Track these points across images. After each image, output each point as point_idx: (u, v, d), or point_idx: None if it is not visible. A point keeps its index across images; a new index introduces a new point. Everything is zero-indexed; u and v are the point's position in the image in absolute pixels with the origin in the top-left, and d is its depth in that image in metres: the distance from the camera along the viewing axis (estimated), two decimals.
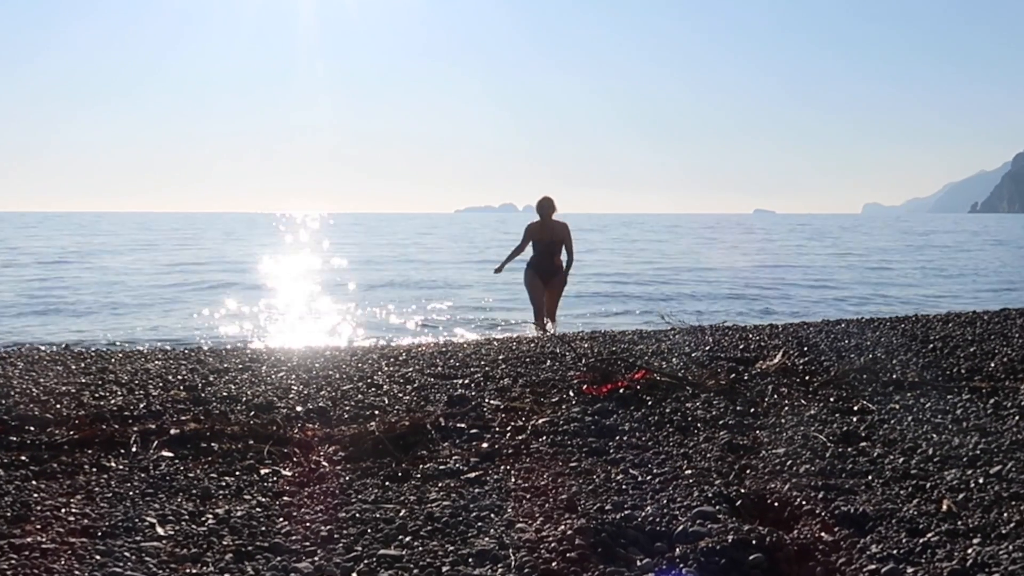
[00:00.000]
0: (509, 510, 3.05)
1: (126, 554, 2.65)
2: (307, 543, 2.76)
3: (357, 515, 3.02)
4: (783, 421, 4.33)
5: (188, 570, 2.56)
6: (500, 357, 6.50)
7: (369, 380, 5.58)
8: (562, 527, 2.82)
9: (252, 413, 4.60)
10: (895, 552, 2.61)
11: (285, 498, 3.23)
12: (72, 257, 30.32)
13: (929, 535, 2.73)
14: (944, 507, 2.98)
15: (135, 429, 4.13)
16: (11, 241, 42.93)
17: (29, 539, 2.72)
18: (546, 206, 10.32)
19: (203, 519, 2.97)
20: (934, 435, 3.98)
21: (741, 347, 6.88)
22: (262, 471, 3.59)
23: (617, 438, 4.03)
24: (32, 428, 4.15)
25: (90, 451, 3.81)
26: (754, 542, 2.64)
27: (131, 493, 3.25)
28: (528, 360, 6.34)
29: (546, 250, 10.45)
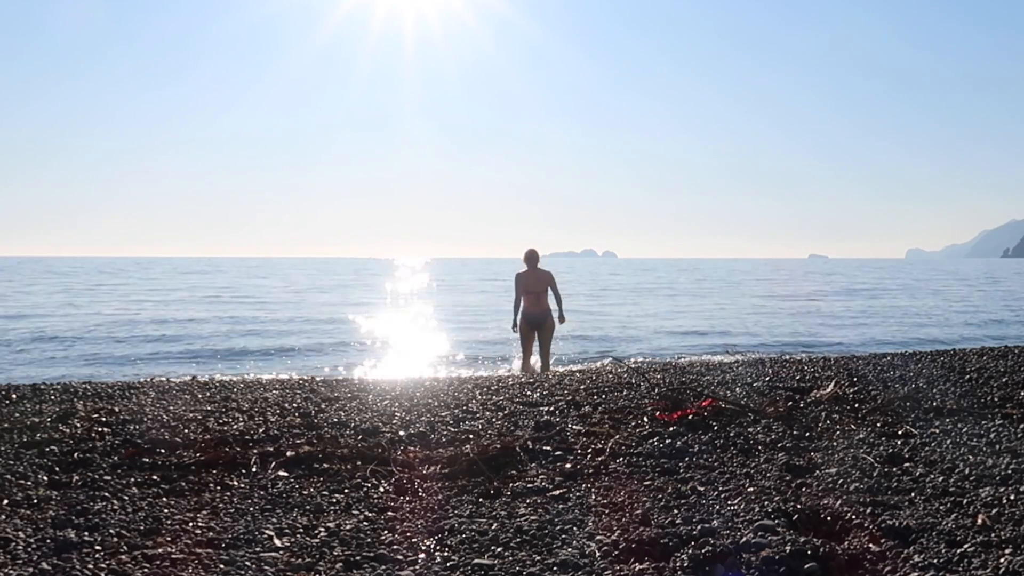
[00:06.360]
0: (590, 524, 3.04)
1: (247, 563, 2.66)
2: (409, 553, 2.78)
3: (454, 527, 3.01)
4: (835, 444, 4.30)
5: None
6: (582, 387, 6.52)
7: (464, 408, 5.56)
8: (637, 538, 2.82)
9: (360, 437, 4.58)
10: (935, 561, 2.61)
11: (389, 513, 3.24)
12: (209, 300, 30.20)
13: (966, 546, 2.72)
14: (979, 521, 2.96)
15: (255, 451, 4.13)
16: (164, 283, 43.08)
17: (160, 550, 2.76)
18: (534, 257, 10.34)
19: (316, 532, 2.98)
20: (970, 456, 3.94)
21: (797, 378, 6.84)
22: (368, 488, 3.58)
23: (687, 459, 4.01)
24: (162, 451, 4.19)
25: (214, 471, 3.82)
26: (809, 552, 2.66)
27: (251, 509, 3.28)
28: (607, 389, 6.35)
29: (535, 297, 10.32)
